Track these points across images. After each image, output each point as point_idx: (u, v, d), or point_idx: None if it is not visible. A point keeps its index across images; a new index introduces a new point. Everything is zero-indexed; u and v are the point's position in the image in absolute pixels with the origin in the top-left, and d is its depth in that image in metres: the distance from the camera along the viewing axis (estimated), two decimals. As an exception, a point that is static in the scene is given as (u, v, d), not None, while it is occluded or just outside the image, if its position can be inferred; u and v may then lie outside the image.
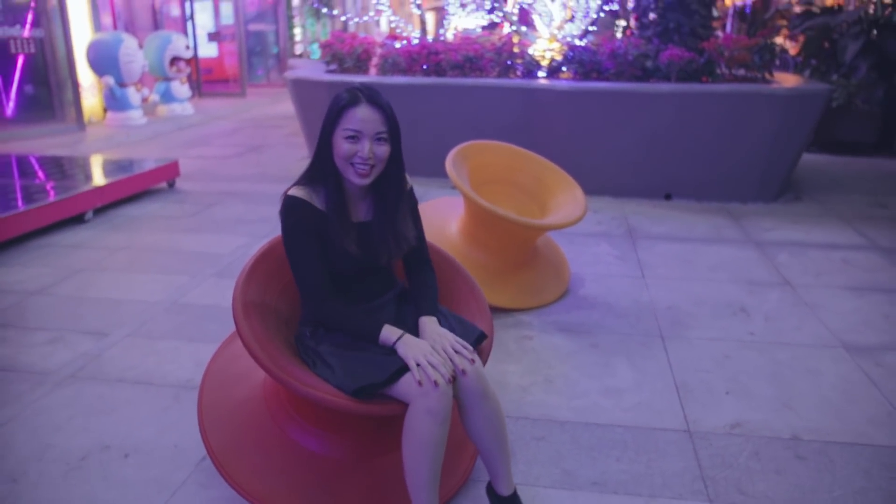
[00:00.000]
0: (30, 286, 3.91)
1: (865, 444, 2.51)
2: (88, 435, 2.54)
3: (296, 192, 2.00)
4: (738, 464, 2.39)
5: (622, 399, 2.79)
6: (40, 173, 5.72)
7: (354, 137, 1.93)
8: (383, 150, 1.96)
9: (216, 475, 2.27)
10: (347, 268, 2.04)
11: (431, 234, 3.62)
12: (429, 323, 2.03)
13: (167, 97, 10.29)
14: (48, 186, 5.20)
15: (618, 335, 3.35)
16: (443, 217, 3.84)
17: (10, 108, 8.74)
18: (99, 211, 5.31)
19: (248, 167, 7.14)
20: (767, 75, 6.11)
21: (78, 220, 5.09)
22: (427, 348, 1.88)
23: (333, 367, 1.93)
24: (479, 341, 2.06)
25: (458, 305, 2.33)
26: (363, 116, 1.92)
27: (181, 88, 10.41)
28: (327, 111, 1.97)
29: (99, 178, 5.52)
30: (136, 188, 5.69)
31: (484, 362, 2.02)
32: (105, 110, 9.60)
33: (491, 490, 2.02)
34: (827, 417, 2.67)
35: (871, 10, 8.33)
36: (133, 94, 9.33)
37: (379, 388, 1.87)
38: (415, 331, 2.03)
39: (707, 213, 5.48)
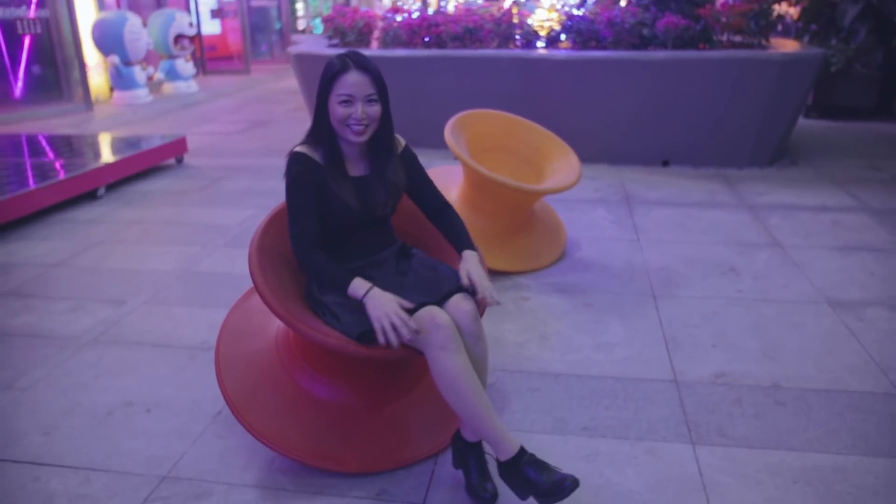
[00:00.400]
0: (50, 259, 4.09)
1: (841, 390, 2.66)
2: (113, 393, 2.72)
3: (300, 149, 2.18)
4: (721, 410, 2.55)
5: (613, 353, 2.95)
6: (53, 152, 5.87)
7: (348, 101, 2.08)
8: (375, 109, 2.13)
9: (232, 426, 2.45)
10: (347, 219, 2.19)
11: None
12: (470, 258, 2.22)
13: (172, 75, 10.41)
14: (61, 164, 5.36)
15: (611, 294, 3.50)
16: (443, 185, 3.93)
17: (19, 88, 8.89)
18: (111, 187, 5.47)
19: (254, 142, 7.28)
20: (764, 41, 6.18)
21: (91, 196, 5.26)
22: (393, 307, 2.00)
23: (339, 315, 2.10)
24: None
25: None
26: (353, 81, 2.08)
27: (186, 66, 10.51)
28: (320, 79, 2.13)
29: (110, 155, 5.67)
30: (147, 164, 5.84)
31: (481, 313, 2.18)
32: (111, 89, 9.73)
33: (458, 437, 2.15)
34: (806, 367, 2.82)
35: (870, -26, 8.33)
36: (138, 73, 9.45)
37: None
38: (416, 283, 2.18)
39: (703, 179, 5.60)
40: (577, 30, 6.21)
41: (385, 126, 2.20)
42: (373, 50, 6.77)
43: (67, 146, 6.07)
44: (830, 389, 2.66)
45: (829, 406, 2.56)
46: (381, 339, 1.98)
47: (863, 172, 5.70)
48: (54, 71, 9.06)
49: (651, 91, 5.78)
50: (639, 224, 4.53)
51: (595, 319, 3.25)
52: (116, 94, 9.48)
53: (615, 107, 5.92)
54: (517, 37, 6.44)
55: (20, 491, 2.20)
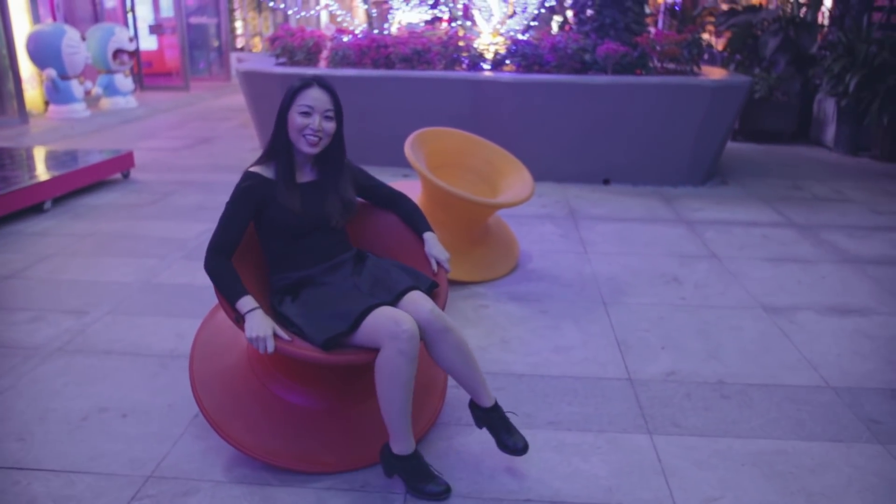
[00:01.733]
0: (3, 271, 4.03)
1: (778, 384, 2.91)
2: (86, 399, 2.74)
3: (253, 168, 2.40)
4: (673, 403, 2.76)
5: (571, 355, 3.13)
6: (-6, 164, 5.75)
7: (307, 113, 2.31)
8: (330, 125, 2.36)
9: (210, 428, 2.51)
10: (295, 224, 2.36)
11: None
12: (431, 240, 2.58)
13: (111, 90, 10.23)
14: (5, 176, 5.26)
15: (564, 302, 3.70)
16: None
17: (-52, 100, 8.61)
18: (57, 201, 5.40)
19: (201, 158, 7.26)
20: (696, 68, 6.58)
21: (37, 209, 5.17)
22: (267, 330, 2.14)
23: (302, 325, 2.24)
24: (431, 289, 2.41)
25: (415, 259, 2.62)
26: (315, 96, 2.32)
27: (125, 81, 10.36)
28: (285, 93, 2.35)
29: (56, 168, 5.59)
30: (94, 178, 5.78)
31: (441, 306, 2.36)
32: (46, 103, 9.51)
33: (473, 405, 2.33)
34: (747, 365, 3.07)
35: (787, 10, 8.96)
36: (76, 87, 9.27)
37: (345, 336, 2.17)
38: (371, 284, 2.35)
39: (642, 196, 5.91)
40: (522, 54, 6.48)
41: (337, 143, 2.44)
42: (321, 69, 6.88)
43: (10, 158, 5.95)
44: (769, 384, 2.91)
45: (769, 398, 2.80)
46: (258, 348, 2.14)
47: (786, 191, 6.11)
48: (-15, 83, 8.82)
49: (592, 113, 6.08)
50: (585, 238, 4.76)
51: (551, 325, 3.43)
52: (52, 107, 9.27)
53: (559, 128, 6.20)
54: (464, 59, 6.67)
55: (2, 495, 2.21)
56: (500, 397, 2.75)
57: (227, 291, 2.25)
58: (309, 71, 6.63)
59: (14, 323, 3.39)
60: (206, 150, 7.74)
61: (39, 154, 6.32)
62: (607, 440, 2.51)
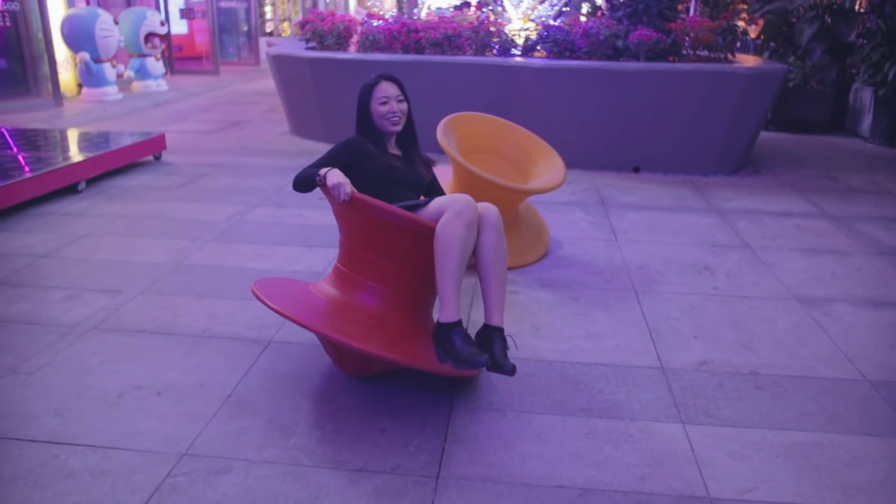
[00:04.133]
0: (38, 250, 4.09)
1: (813, 377, 2.87)
2: (121, 377, 2.78)
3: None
4: (706, 393, 2.73)
5: (602, 342, 3.11)
6: (32, 145, 5.83)
7: (385, 102, 2.81)
8: (404, 106, 2.87)
9: (244, 408, 2.55)
10: (386, 171, 2.78)
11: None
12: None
13: (142, 73, 10.34)
14: (42, 157, 5.34)
15: (595, 290, 3.68)
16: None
17: (-16, 82, 8.74)
18: (91, 182, 5.47)
19: (231, 141, 7.31)
20: (730, 56, 6.47)
21: (71, 190, 5.25)
22: (345, 178, 2.51)
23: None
24: None
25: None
26: (386, 87, 2.84)
27: (156, 65, 10.46)
28: (360, 92, 2.84)
29: (89, 150, 5.66)
30: (126, 160, 5.85)
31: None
32: (79, 86, 9.63)
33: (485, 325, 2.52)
34: (781, 356, 3.03)
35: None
36: (108, 70, 9.38)
37: (417, 208, 2.61)
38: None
39: (672, 185, 5.84)
40: (554, 40, 6.42)
41: (410, 119, 2.92)
42: (351, 53, 6.87)
43: (45, 140, 6.03)
44: (804, 376, 2.87)
45: (804, 391, 2.76)
46: (336, 195, 2.49)
47: (820, 182, 6.01)
48: (21, 65, 8.94)
49: (624, 100, 6.02)
50: (615, 225, 4.72)
51: (582, 312, 3.41)
52: (85, 90, 9.39)
53: (589, 115, 6.14)
54: (495, 45, 6.62)
55: (40, 468, 2.25)
56: (531, 383, 2.76)
57: (308, 172, 2.62)
58: (339, 56, 6.62)
59: (50, 301, 3.45)
60: (236, 133, 7.79)
61: (73, 136, 6.40)
62: (639, 428, 2.49)
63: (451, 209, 2.43)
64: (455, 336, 2.37)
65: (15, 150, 5.66)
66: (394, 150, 2.91)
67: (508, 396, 2.67)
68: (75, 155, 5.48)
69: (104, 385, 2.73)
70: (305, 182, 2.62)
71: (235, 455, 2.32)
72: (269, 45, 8.36)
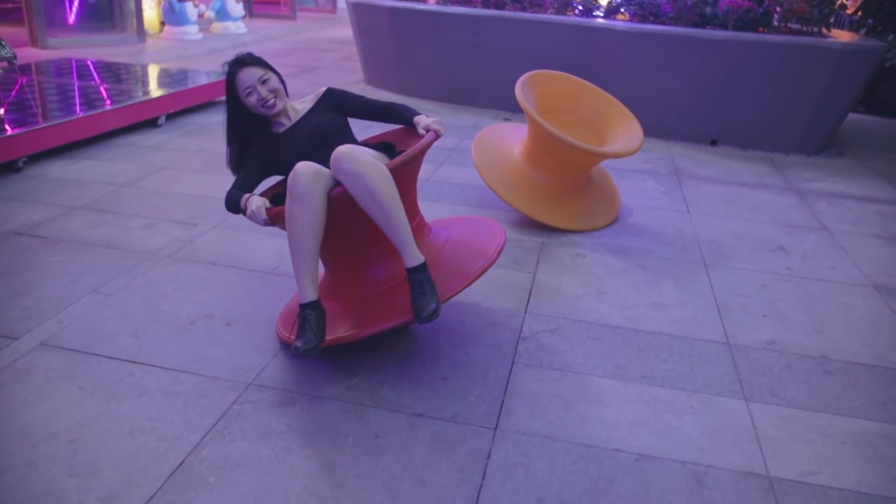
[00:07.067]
0: (120, 179, 4.23)
1: (887, 367, 2.77)
2: (193, 305, 2.88)
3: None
4: (772, 373, 2.67)
5: (668, 313, 3.07)
6: (118, 78, 5.99)
7: (251, 92, 2.60)
8: (271, 83, 2.63)
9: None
10: (291, 148, 2.62)
11: (494, 155, 3.87)
12: (420, 118, 2.74)
13: (222, 15, 10.46)
14: (126, 91, 5.48)
15: (664, 259, 3.61)
16: (505, 141, 4.07)
17: (73, 15, 8.98)
18: (170, 117, 5.60)
19: (307, 86, 7.36)
20: (825, 30, 6.17)
21: (151, 124, 5.39)
22: (257, 204, 2.44)
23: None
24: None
25: None
26: (245, 76, 2.60)
27: (236, 7, 10.56)
28: (226, 87, 2.65)
29: (170, 86, 5.78)
30: (204, 98, 5.96)
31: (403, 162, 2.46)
32: (162, 24, 9.81)
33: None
34: (854, 343, 2.94)
35: (934, -28, 8.23)
36: (190, 10, 9.52)
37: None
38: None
39: (750, 161, 5.66)
40: (639, 3, 6.22)
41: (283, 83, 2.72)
42: (431, 5, 6.80)
43: (128, 73, 6.19)
44: (877, 365, 2.78)
45: (876, 380, 2.68)
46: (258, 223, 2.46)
47: (909, 169, 5.73)
48: (109, 1, 9.14)
49: (707, 70, 5.81)
50: (688, 197, 4.61)
51: (650, 281, 3.36)
52: (167, 28, 9.57)
53: (669, 82, 5.96)
54: (576, 5, 6.46)
55: (118, 384, 2.36)
56: (594, 347, 2.74)
57: (233, 195, 2.57)
58: (419, 6, 6.56)
59: (129, 228, 3.57)
60: (311, 78, 7.84)
61: (154, 72, 6.54)
62: (701, 401, 2.46)
63: (288, 194, 2.30)
64: (301, 317, 2.31)
65: (97, 82, 5.82)
66: (282, 120, 2.73)
67: (571, 357, 2.66)
68: (156, 90, 5.61)
69: (178, 311, 2.83)
70: (234, 207, 2.57)
71: (299, 389, 2.39)
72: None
